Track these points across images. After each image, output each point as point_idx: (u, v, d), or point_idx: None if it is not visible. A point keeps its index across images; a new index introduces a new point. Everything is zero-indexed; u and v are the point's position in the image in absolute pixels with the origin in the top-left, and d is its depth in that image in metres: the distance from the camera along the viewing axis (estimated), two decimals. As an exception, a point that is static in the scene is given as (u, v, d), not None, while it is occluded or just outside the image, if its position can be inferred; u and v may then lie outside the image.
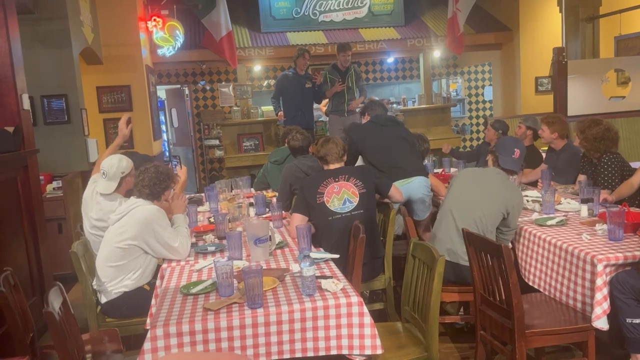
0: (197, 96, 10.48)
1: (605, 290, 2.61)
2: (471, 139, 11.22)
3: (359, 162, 4.29)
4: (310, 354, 2.25)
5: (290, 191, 4.22)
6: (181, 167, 4.68)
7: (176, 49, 8.13)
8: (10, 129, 3.83)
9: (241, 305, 2.25)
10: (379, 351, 2.28)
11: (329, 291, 2.33)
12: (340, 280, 2.47)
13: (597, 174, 3.97)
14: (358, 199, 3.40)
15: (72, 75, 5.79)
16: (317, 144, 3.62)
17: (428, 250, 2.57)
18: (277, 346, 2.21)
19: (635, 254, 2.66)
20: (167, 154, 10.69)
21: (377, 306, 3.62)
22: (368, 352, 2.28)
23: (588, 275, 2.70)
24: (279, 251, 3.05)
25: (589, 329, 2.62)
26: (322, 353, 2.27)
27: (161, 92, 10.38)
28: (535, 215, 3.50)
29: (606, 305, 2.61)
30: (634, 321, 2.56)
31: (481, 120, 11.18)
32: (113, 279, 3.05)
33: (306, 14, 9.07)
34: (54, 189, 5.31)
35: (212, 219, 3.84)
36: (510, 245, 3.29)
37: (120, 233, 3.02)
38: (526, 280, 3.21)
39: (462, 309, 3.68)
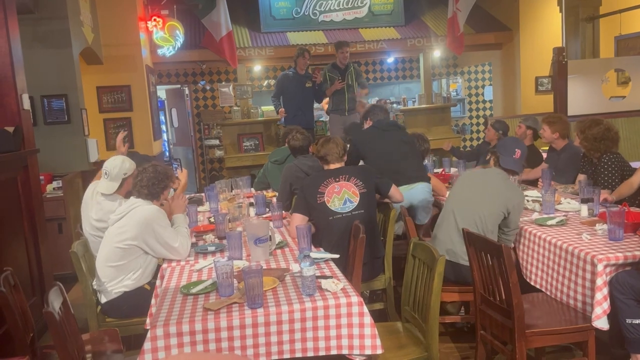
0: (197, 96, 10.48)
1: (605, 290, 2.61)
2: (471, 139, 11.22)
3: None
4: (310, 354, 2.25)
5: (290, 191, 4.22)
6: (182, 170, 4.68)
7: (176, 49, 8.13)
8: (11, 129, 3.83)
9: (241, 305, 2.25)
10: (379, 351, 2.28)
11: (329, 291, 2.33)
12: (340, 280, 2.47)
13: (597, 173, 3.97)
14: (358, 198, 3.40)
15: (72, 75, 5.80)
16: (317, 144, 3.62)
17: (428, 250, 2.57)
18: (277, 346, 2.21)
19: (635, 254, 2.66)
20: (167, 154, 10.69)
21: (377, 306, 3.62)
22: (368, 352, 2.28)
23: (588, 275, 2.70)
24: (279, 251, 3.05)
25: (589, 329, 2.62)
26: (322, 353, 2.27)
27: (161, 92, 10.38)
28: (535, 215, 3.50)
29: (606, 305, 2.61)
30: (633, 322, 2.56)
31: (481, 120, 11.18)
32: (113, 279, 3.05)
33: (306, 13, 9.07)
34: (54, 189, 5.31)
35: (212, 219, 3.84)
36: (512, 245, 3.30)
37: (120, 233, 3.02)
38: (528, 280, 3.21)
39: (462, 309, 3.68)
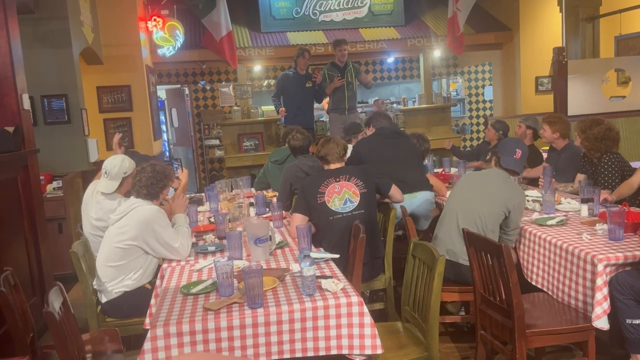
0: (197, 96, 10.48)
1: (606, 290, 2.61)
2: (471, 139, 11.22)
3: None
4: (310, 354, 2.25)
5: (290, 191, 4.22)
6: (182, 170, 4.68)
7: (176, 49, 8.13)
8: (11, 129, 3.83)
9: (241, 305, 2.25)
10: (379, 351, 2.28)
11: (329, 291, 2.33)
12: (340, 280, 2.46)
13: (598, 173, 3.97)
14: (359, 198, 3.39)
15: (72, 75, 5.80)
16: (317, 144, 3.62)
17: (428, 250, 2.57)
18: (277, 346, 2.21)
19: (635, 254, 2.66)
20: (168, 154, 10.69)
21: (377, 306, 3.62)
22: (368, 352, 2.28)
23: (588, 275, 2.70)
24: (279, 251, 3.05)
25: (589, 329, 2.62)
26: (322, 353, 2.27)
27: (161, 92, 10.38)
28: (535, 215, 3.50)
29: (606, 305, 2.61)
30: (633, 322, 2.56)
31: (481, 120, 11.18)
32: (113, 279, 3.05)
33: (306, 13, 9.07)
34: (54, 189, 5.31)
35: (212, 219, 3.84)
36: (513, 245, 3.29)
37: (120, 233, 3.01)
38: (529, 280, 3.21)
39: (462, 309, 3.68)
